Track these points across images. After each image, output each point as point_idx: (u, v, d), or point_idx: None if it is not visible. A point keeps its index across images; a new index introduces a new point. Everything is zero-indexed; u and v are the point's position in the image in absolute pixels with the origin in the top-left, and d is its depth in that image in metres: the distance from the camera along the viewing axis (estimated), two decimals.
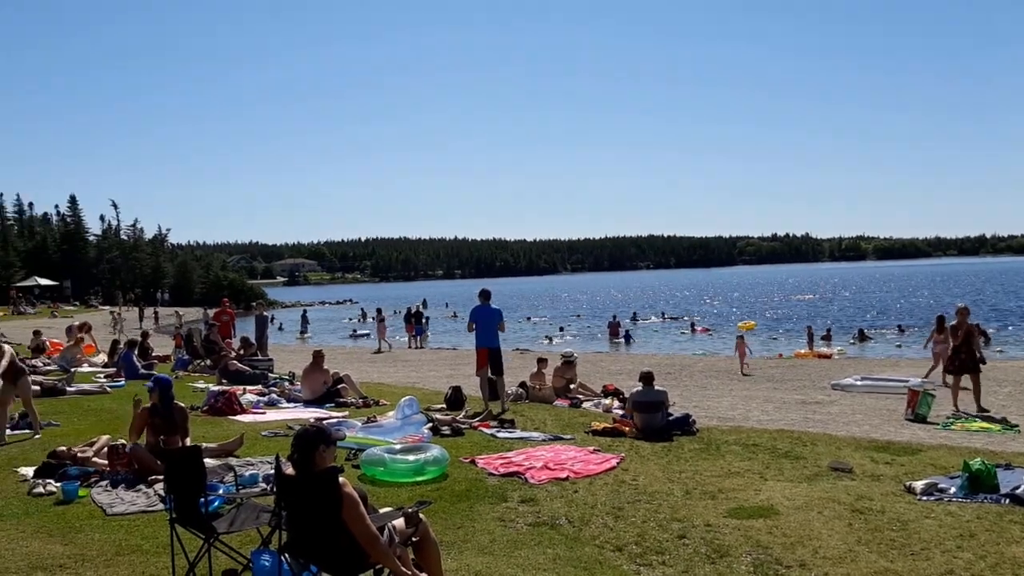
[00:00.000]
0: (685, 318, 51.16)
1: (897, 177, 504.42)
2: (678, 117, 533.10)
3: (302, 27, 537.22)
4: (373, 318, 40.05)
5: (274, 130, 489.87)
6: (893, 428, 11.47)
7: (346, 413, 12.15)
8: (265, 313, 23.86)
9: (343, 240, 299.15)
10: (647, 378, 11.11)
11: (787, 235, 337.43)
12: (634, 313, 52.37)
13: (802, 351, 28.47)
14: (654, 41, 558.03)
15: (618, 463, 8.57)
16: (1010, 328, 38.12)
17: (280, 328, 51.18)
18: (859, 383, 16.61)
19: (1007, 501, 6.95)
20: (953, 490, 7.28)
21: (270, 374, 16.83)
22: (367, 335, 43.89)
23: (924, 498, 7.11)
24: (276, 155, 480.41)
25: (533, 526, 6.38)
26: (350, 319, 58.34)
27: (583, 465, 8.43)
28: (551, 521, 6.48)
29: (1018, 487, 7.06)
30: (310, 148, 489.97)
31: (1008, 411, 13.07)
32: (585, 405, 13.75)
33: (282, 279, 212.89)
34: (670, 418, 10.59)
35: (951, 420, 12.08)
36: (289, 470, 4.68)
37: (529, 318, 55.49)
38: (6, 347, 10.52)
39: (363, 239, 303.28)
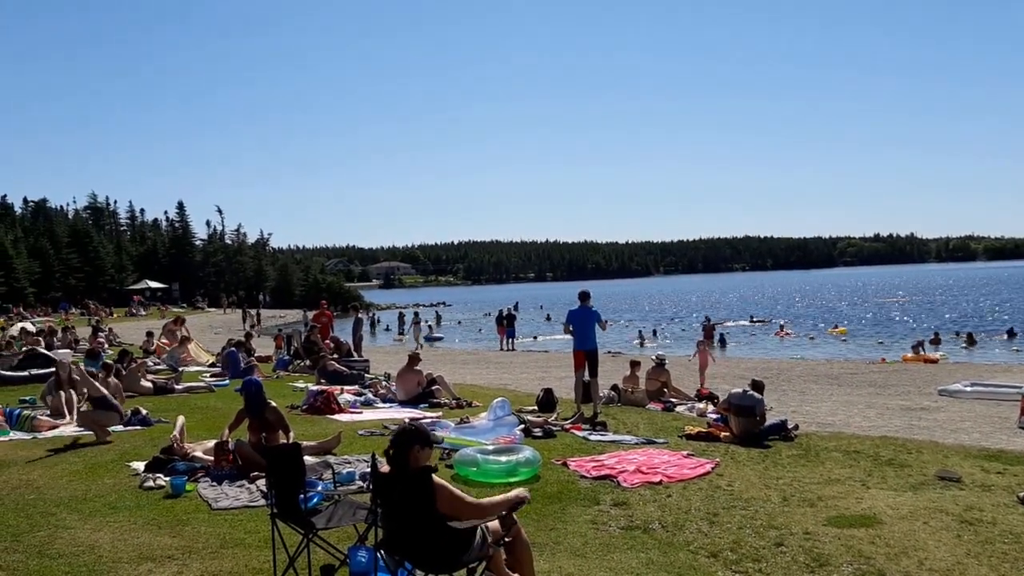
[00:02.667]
0: (773, 321, 50.03)
1: (1009, 172, 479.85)
2: (778, 111, 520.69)
3: (389, 20, 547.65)
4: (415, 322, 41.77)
5: (369, 134, 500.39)
6: (1005, 436, 10.92)
7: (440, 414, 12.30)
8: (360, 315, 24.37)
9: (436, 243, 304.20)
10: (755, 385, 10.90)
11: (891, 235, 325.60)
12: (707, 317, 51.08)
13: (909, 355, 27.36)
14: (753, 30, 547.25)
15: (713, 468, 8.43)
16: None
17: (387, 329, 52.54)
18: (968, 389, 15.89)
19: None
20: None
21: (366, 374, 17.19)
22: (440, 338, 45.13)
23: None
24: (372, 159, 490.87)
25: (626, 530, 6.33)
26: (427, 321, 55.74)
27: (676, 469, 8.32)
28: (644, 525, 6.42)
29: None
30: (403, 150, 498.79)
31: None
32: (679, 409, 13.57)
33: (377, 282, 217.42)
34: (766, 424, 10.35)
35: None
36: (385, 468, 4.77)
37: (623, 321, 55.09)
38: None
39: (456, 242, 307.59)
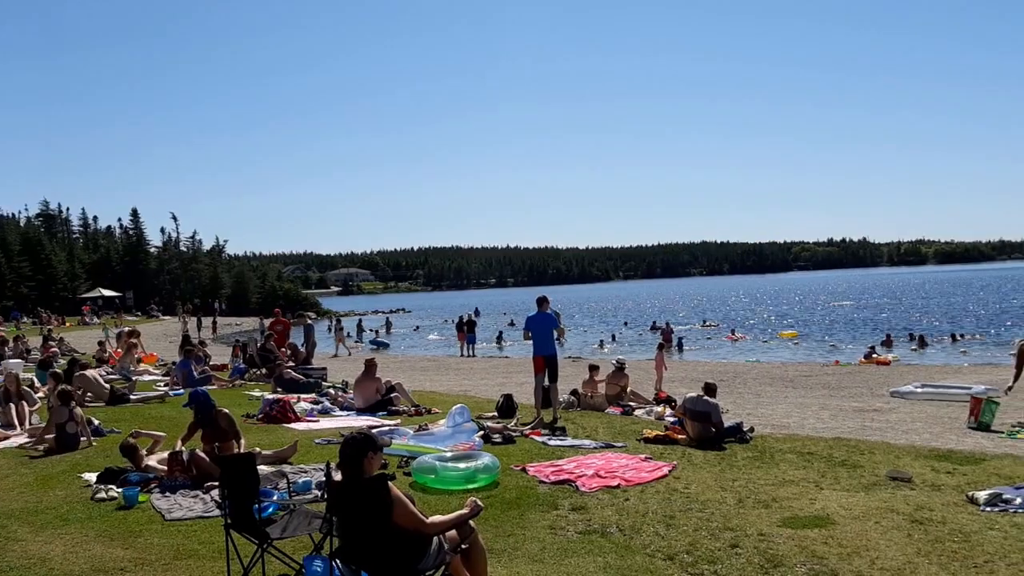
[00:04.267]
0: (723, 325, 50.66)
1: (958, 178, 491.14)
2: (735, 116, 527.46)
3: (349, 30, 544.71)
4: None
5: (325, 139, 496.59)
6: (955, 437, 11.15)
7: (398, 421, 12.25)
8: (310, 322, 24.16)
9: (396, 249, 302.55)
10: (707, 388, 11.00)
11: (844, 240, 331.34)
12: (667, 322, 50.92)
13: (864, 359, 27.85)
14: (707, 30, 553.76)
15: (670, 471, 8.50)
16: None
17: (348, 335, 52.24)
18: (919, 390, 16.21)
19: None
20: (1019, 501, 7.04)
21: (323, 383, 17.05)
22: (387, 345, 44.76)
23: (988, 509, 6.91)
24: (329, 164, 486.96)
25: (583, 534, 6.35)
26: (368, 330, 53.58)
27: (634, 473, 8.38)
28: (602, 529, 6.45)
29: None
30: (361, 156, 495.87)
31: None
32: (637, 413, 13.68)
33: (336, 289, 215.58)
34: (721, 427, 10.45)
35: (1017, 428, 11.70)
36: (339, 477, 4.75)
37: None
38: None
39: (416, 248, 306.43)
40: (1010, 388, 10.48)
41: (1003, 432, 11.52)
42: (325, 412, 13.43)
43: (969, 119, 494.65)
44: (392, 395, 13.80)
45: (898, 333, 38.54)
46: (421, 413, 13.17)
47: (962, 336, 37.29)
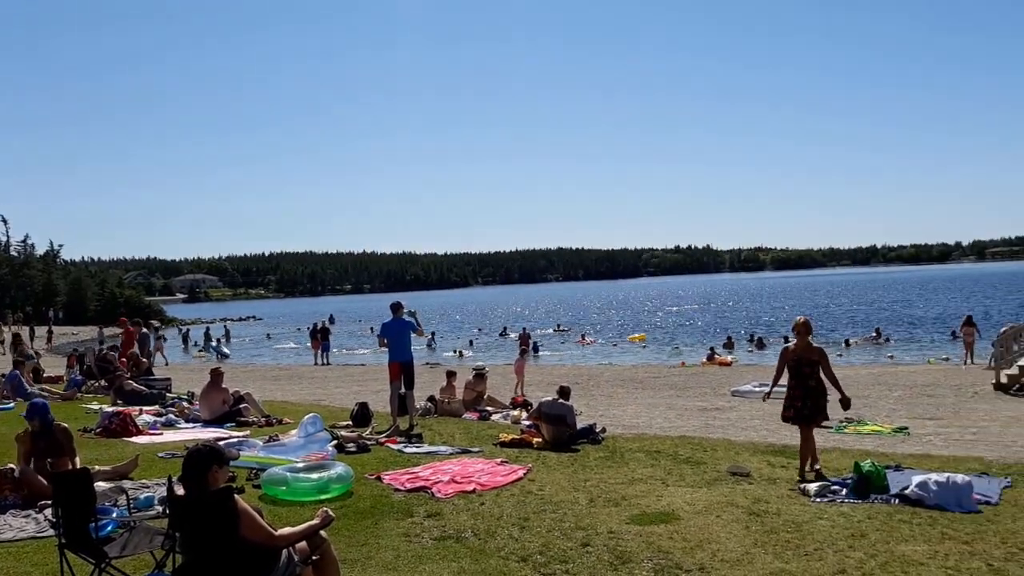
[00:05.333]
0: (574, 330, 52.05)
1: (794, 187, 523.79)
2: (585, 130, 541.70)
3: (189, 24, 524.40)
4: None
5: (169, 138, 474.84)
6: (789, 432, 11.79)
7: (247, 432, 11.86)
8: (145, 330, 23.02)
9: (246, 255, 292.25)
10: (562, 391, 11.22)
11: (690, 247, 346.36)
12: (524, 328, 51.59)
13: (706, 360, 29.22)
14: (558, 53, 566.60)
15: (525, 474, 8.62)
16: (904, 334, 39.97)
17: (195, 344, 50.17)
18: (757, 389, 17.14)
19: (896, 501, 7.28)
20: (845, 491, 7.58)
21: (168, 394, 16.32)
22: (227, 355, 43.41)
23: (818, 500, 7.39)
24: (174, 165, 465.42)
25: (439, 540, 6.34)
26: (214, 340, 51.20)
27: (490, 477, 8.44)
28: (457, 535, 6.46)
29: (907, 487, 7.38)
30: (209, 157, 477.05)
31: (898, 414, 13.71)
32: (494, 418, 13.81)
33: (181, 296, 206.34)
34: (576, 428, 10.71)
35: (844, 424, 12.57)
36: (181, 491, 4.57)
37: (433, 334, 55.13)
38: None
39: (267, 253, 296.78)
40: (768, 395, 9.43)
41: (832, 427, 12.35)
42: (169, 424, 12.85)
43: (802, 138, 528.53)
44: (241, 406, 13.37)
45: (738, 335, 40.63)
46: (272, 423, 12.83)
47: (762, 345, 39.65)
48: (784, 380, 8.74)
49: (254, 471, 8.69)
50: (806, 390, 8.46)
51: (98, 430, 11.86)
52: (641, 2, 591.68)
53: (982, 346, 25.11)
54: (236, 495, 4.53)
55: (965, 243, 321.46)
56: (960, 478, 7.32)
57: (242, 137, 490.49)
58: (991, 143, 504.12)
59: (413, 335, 12.69)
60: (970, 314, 28.73)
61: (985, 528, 6.39)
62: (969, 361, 24.67)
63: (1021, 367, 17.33)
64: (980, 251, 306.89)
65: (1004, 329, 20.20)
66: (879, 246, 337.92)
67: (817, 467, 8.46)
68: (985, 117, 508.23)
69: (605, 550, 5.99)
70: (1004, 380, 17.08)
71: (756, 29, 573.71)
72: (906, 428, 12.04)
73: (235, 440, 10.68)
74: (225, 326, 64.46)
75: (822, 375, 8.54)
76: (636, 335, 45.15)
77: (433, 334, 46.99)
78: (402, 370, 12.41)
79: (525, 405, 14.52)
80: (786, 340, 37.68)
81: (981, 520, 6.62)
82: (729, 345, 35.47)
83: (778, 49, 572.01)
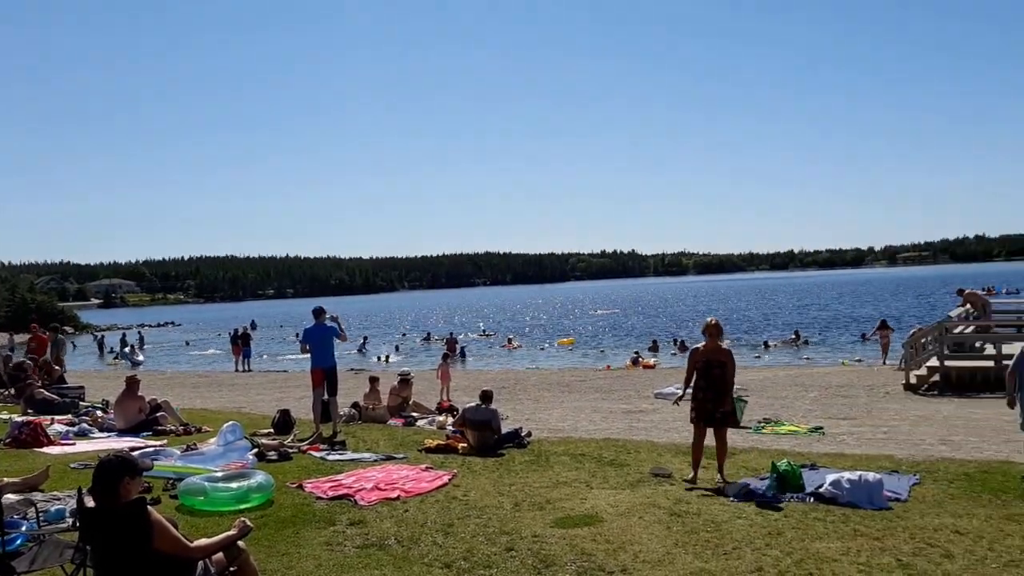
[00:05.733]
0: (499, 334, 52.26)
1: (712, 196, 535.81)
2: (512, 136, 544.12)
3: (105, 29, 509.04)
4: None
5: (87, 138, 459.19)
6: (710, 433, 12.07)
7: (164, 441, 11.53)
8: (61, 336, 22.22)
9: (165, 259, 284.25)
10: (484, 396, 11.21)
11: (616, 251, 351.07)
12: (450, 332, 50.85)
13: (630, 363, 29.62)
14: (484, 61, 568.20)
15: (450, 480, 8.59)
16: (820, 336, 41.19)
17: (111, 351, 48.59)
18: (679, 391, 17.38)
19: (811, 499, 7.49)
20: (763, 490, 7.75)
21: (81, 402, 15.74)
22: (140, 361, 42.26)
23: (736, 499, 7.54)
24: (87, 168, 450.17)
25: (361, 548, 6.26)
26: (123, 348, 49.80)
27: (414, 484, 8.38)
28: (380, 542, 6.39)
29: (821, 486, 7.60)
30: (121, 160, 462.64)
31: (814, 415, 14.12)
32: (420, 423, 13.73)
33: (97, 301, 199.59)
34: (501, 433, 10.73)
35: (762, 424, 12.90)
36: (92, 503, 4.42)
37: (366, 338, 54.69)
38: None
39: (186, 257, 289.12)
40: (680, 398, 9.28)
41: (751, 428, 12.67)
42: (83, 434, 12.44)
43: (723, 145, 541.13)
44: (158, 414, 13.02)
45: (663, 338, 41.30)
46: (190, 432, 12.51)
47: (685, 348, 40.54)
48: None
49: (171, 481, 8.46)
50: (717, 392, 8.41)
51: (7, 441, 11.37)
52: (563, 8, 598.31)
53: (895, 348, 26.08)
54: (149, 506, 4.42)
55: (877, 248, 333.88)
56: (871, 476, 7.57)
57: (162, 139, 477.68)
58: (902, 150, 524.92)
59: (336, 341, 12.53)
60: (884, 318, 29.81)
61: (895, 524, 6.62)
62: (883, 362, 25.57)
63: (930, 368, 18.04)
64: (891, 256, 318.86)
65: (913, 331, 21.01)
66: (796, 251, 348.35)
67: (718, 479, 8.33)
68: (896, 124, 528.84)
69: (529, 554, 6.00)
70: (913, 380, 17.76)
71: (675, 33, 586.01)
72: (821, 428, 12.42)
73: (151, 450, 10.37)
74: (139, 332, 62.61)
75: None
76: (565, 339, 45.49)
77: (365, 339, 47.04)
78: (325, 376, 12.24)
79: (451, 410, 14.48)
80: None
81: (891, 516, 6.86)
82: (654, 348, 36.02)
83: (695, 55, 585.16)
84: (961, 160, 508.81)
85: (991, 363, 17.34)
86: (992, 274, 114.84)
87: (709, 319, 8.85)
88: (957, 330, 19.99)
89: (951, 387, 17.28)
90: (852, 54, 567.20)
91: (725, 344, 8.85)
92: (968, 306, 23.14)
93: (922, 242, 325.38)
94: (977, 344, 20.00)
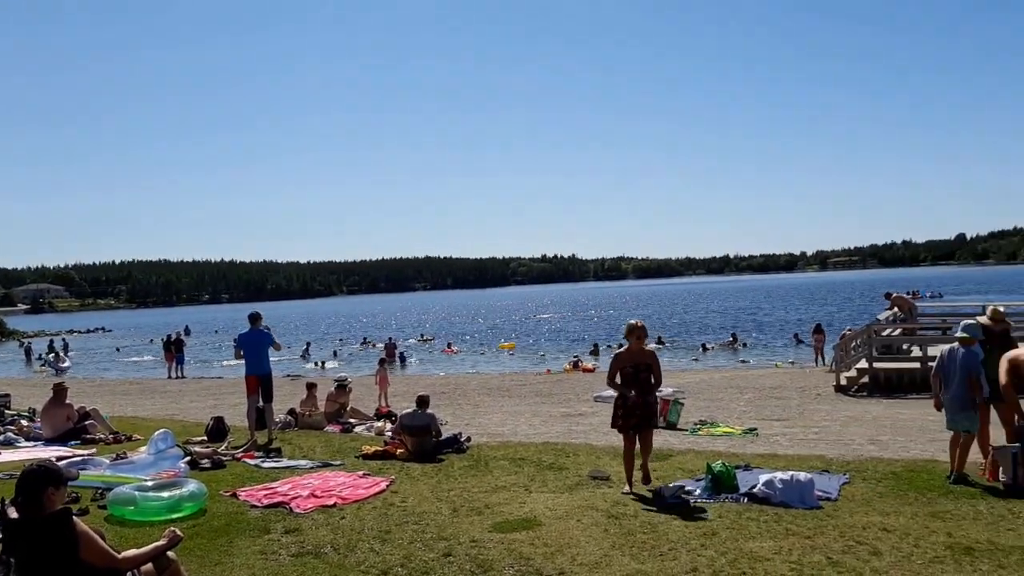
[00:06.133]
0: (439, 339, 52.18)
1: (651, 201, 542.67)
2: (453, 141, 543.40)
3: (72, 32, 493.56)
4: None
5: (9, 141, 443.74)
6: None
7: (93, 450, 11.22)
8: None
9: (95, 263, 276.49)
10: (420, 401, 11.15)
11: (556, 256, 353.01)
12: (389, 337, 50.33)
13: (568, 367, 29.78)
14: (428, 66, 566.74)
15: (388, 486, 8.51)
16: (754, 339, 42.00)
17: (39, 358, 47.11)
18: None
19: (745, 500, 7.61)
20: (698, 491, 7.86)
21: (7, 411, 15.23)
22: (66, 368, 41.04)
23: (673, 500, 7.62)
24: (14, 170, 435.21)
25: (296, 556, 6.17)
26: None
27: (351, 490, 8.29)
28: (316, 550, 6.30)
29: (755, 486, 7.73)
30: (50, 158, 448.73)
31: (748, 416, 14.39)
32: (357, 429, 13.60)
33: (24, 307, 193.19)
34: (440, 438, 10.69)
35: (698, 426, 13.10)
36: (15, 514, 4.29)
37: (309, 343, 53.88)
38: None
39: (117, 262, 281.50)
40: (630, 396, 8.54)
41: (687, 430, 12.85)
42: (8, 444, 12.05)
43: (661, 150, 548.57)
44: (87, 422, 12.66)
45: (603, 342, 41.62)
46: (120, 440, 12.21)
47: (661, 342, 40.98)
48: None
49: (100, 491, 8.23)
50: (644, 396, 8.13)
51: None
52: (501, 16, 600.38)
53: (827, 350, 26.73)
54: (75, 517, 4.31)
55: (809, 253, 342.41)
56: (803, 476, 7.73)
57: (90, 137, 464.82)
58: (836, 155, 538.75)
59: (271, 348, 12.34)
60: (819, 322, 30.59)
61: (825, 523, 6.77)
62: (816, 365, 26.18)
63: (859, 370, 18.55)
64: (823, 261, 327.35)
65: (843, 334, 21.58)
66: (731, 255, 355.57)
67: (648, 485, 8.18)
68: (830, 130, 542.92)
69: (467, 559, 5.98)
70: (843, 382, 18.23)
71: (617, 40, 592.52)
72: (755, 429, 12.66)
73: (79, 459, 10.08)
74: (63, 339, 60.85)
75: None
76: (506, 343, 45.55)
77: (308, 344, 46.58)
78: (260, 383, 12.05)
79: (390, 416, 14.37)
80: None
81: (822, 515, 7.01)
82: (595, 352, 36.29)
83: (638, 61, 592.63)
84: (891, 167, 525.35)
85: (917, 365, 17.91)
86: (918, 278, 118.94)
87: (635, 321, 8.39)
88: (885, 333, 20.59)
89: (879, 388, 17.79)
90: (780, 60, 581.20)
91: (650, 347, 8.71)
92: (895, 309, 23.87)
93: (852, 247, 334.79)
94: (904, 346, 20.63)
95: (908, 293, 38.70)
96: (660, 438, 11.78)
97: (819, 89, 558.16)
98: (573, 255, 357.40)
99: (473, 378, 26.64)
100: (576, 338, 48.76)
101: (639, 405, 8.12)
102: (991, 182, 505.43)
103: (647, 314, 72.08)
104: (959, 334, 8.56)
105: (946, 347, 8.75)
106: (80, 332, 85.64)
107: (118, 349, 56.66)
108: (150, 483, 7.96)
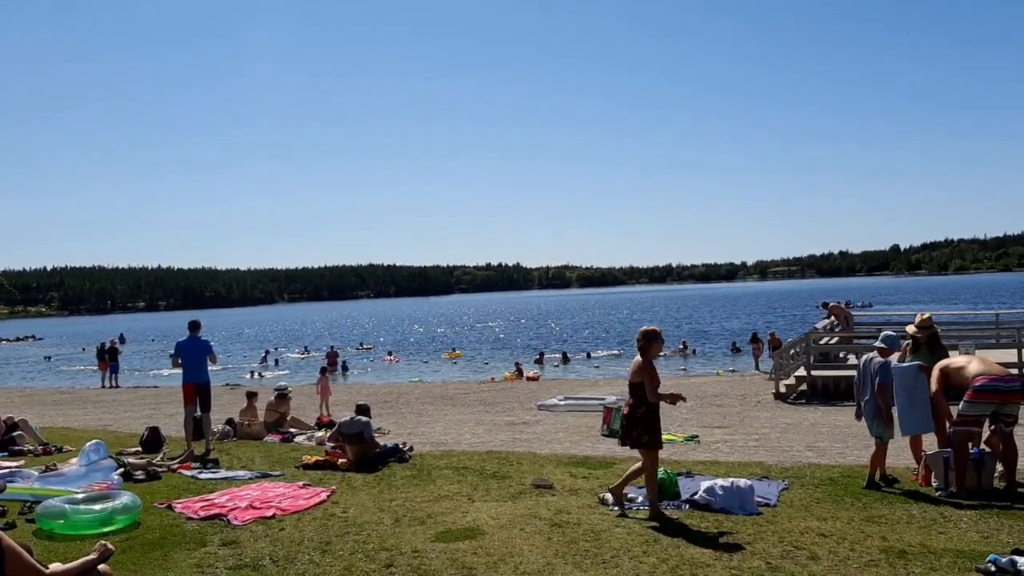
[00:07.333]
0: (379, 347, 51.79)
1: (595, 211, 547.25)
2: (397, 149, 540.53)
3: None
4: None
5: None
6: (590, 444, 12.29)
7: (21, 462, 10.85)
8: None
9: (25, 269, 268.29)
10: (359, 409, 11.04)
11: (500, 264, 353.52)
12: (331, 346, 48.74)
13: (509, 374, 29.79)
14: (374, 74, 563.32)
15: (328, 496, 8.38)
16: (696, 347, 42.49)
17: None
18: (561, 403, 17.66)
19: (687, 506, 7.68)
20: (641, 499, 7.89)
21: None
22: None
23: (615, 508, 7.65)
24: None
25: (234, 569, 6.02)
26: None
27: (291, 501, 8.14)
28: (254, 563, 6.16)
29: (696, 493, 7.80)
30: None
31: (690, 423, 14.53)
32: (298, 439, 13.39)
33: None
34: (382, 447, 10.58)
35: None
36: None
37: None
38: None
39: (49, 268, 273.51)
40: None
41: None
42: None
43: (604, 160, 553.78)
44: (14, 433, 12.26)
45: (548, 351, 41.74)
46: (50, 452, 11.84)
47: (613, 352, 41.19)
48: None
49: (28, 504, 7.98)
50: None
51: None
52: (445, 25, 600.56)
53: (763, 359, 27.21)
54: (1, 531, 4.13)
55: (750, 263, 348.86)
56: (743, 482, 7.83)
57: (20, 141, 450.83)
58: (776, 168, 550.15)
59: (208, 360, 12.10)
60: (755, 331, 31.13)
61: (764, 528, 6.86)
62: (755, 372, 26.61)
63: (798, 377, 18.90)
64: (763, 271, 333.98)
65: (766, 340, 21.97)
66: (674, 265, 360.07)
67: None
68: (769, 144, 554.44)
69: (409, 569, 5.91)
70: (783, 390, 18.55)
71: (562, 51, 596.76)
72: (697, 436, 12.80)
73: (6, 471, 9.73)
74: None
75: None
76: (452, 352, 45.31)
77: (267, 352, 45.80)
78: (197, 392, 11.80)
79: (331, 425, 14.17)
80: (589, 356, 39.26)
81: (761, 521, 7.10)
82: (540, 361, 36.37)
83: (584, 73, 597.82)
84: (828, 180, 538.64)
85: (853, 372, 18.24)
86: (854, 288, 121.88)
87: (652, 327, 7.63)
88: (822, 341, 21.02)
89: (817, 396, 18.13)
90: (723, 74, 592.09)
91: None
92: (832, 318, 24.40)
93: (791, 257, 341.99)
94: (841, 354, 21.09)
95: (841, 303, 39.62)
96: (604, 446, 11.86)
97: (759, 103, 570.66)
98: (517, 263, 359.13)
99: (416, 387, 26.47)
100: (520, 347, 48.79)
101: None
102: (924, 195, 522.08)
103: (590, 321, 72.61)
104: (877, 344, 8.82)
105: (865, 356, 8.99)
106: (8, 340, 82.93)
107: (49, 358, 55.00)
108: (81, 496, 7.72)
